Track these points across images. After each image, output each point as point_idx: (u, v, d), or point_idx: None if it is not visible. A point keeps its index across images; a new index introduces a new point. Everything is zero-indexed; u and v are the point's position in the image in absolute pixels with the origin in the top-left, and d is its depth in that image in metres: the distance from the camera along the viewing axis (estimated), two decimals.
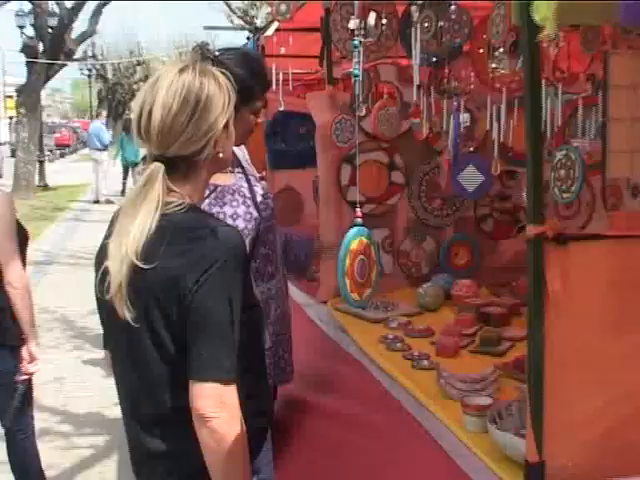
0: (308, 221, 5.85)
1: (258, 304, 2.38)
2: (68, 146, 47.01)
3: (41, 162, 23.95)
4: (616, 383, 2.03)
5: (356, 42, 2.40)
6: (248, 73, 2.93)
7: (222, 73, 2.24)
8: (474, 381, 2.93)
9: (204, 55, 2.76)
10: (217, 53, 2.91)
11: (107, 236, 2.20)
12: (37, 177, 23.42)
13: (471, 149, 4.08)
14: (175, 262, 2.06)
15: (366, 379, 3.31)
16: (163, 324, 2.06)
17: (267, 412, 2.48)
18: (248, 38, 6.16)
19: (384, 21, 3.74)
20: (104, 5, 23.58)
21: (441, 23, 3.62)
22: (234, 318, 2.05)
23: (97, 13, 23.78)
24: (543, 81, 3.13)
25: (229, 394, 2.02)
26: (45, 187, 23.94)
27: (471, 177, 3.76)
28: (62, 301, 9.73)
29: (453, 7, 3.52)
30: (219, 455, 2.02)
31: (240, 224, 2.99)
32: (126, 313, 2.06)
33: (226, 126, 2.22)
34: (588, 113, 3.33)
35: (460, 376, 2.95)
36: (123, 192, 20.79)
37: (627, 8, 1.73)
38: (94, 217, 17.55)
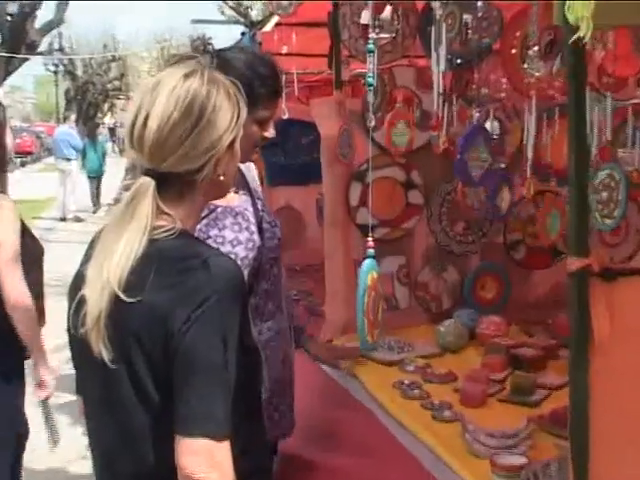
0: (310, 245, 5.86)
1: (256, 347, 2.37)
2: (30, 153, 46.92)
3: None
4: None
5: (371, 46, 2.38)
6: (251, 72, 2.87)
7: (232, 83, 2.25)
8: (505, 436, 2.93)
9: (205, 49, 2.78)
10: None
11: (85, 261, 2.19)
12: None
13: (502, 165, 4.06)
14: (163, 296, 2.03)
15: (379, 432, 3.30)
16: (146, 367, 2.03)
17: (266, 470, 2.47)
18: (243, 34, 6.16)
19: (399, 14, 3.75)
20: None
21: (466, 17, 3.64)
22: (229, 363, 2.02)
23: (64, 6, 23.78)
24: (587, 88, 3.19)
25: (221, 451, 1.98)
26: None
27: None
28: None
29: (481, 3, 3.53)
30: None
31: (240, 252, 2.94)
32: (103, 351, 2.03)
33: (231, 145, 2.23)
34: (638, 122, 3.34)
35: (488, 430, 2.94)
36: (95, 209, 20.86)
37: None
38: (60, 237, 17.55)
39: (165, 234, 2.12)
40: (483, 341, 4.10)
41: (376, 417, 3.40)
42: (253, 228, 3.03)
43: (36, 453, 6.25)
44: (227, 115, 2.19)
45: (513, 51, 3.83)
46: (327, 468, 3.48)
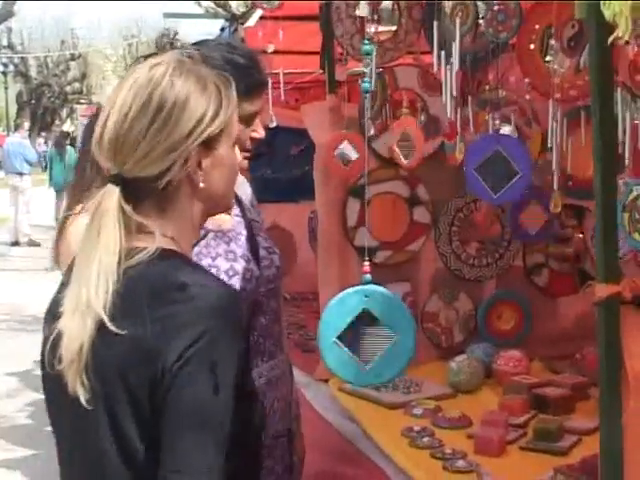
0: (302, 271, 5.85)
1: (255, 391, 2.38)
2: None
3: None
4: None
5: (367, 47, 2.36)
6: (228, 65, 2.78)
7: (219, 75, 2.23)
8: None
9: (172, 45, 2.79)
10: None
11: (62, 287, 2.16)
12: None
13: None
14: (150, 330, 1.99)
15: None
16: (130, 411, 2.00)
17: None
18: (223, 29, 6.19)
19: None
20: None
21: (480, 9, 3.65)
22: (226, 408, 2.01)
23: None
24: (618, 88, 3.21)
25: None
26: None
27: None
28: None
29: None
30: None
31: (237, 284, 2.91)
32: (79, 390, 1.98)
33: (208, 146, 2.16)
34: None
35: None
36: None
37: None
38: (13, 265, 17.51)
39: (144, 257, 2.06)
40: (501, 379, 4.10)
41: (381, 469, 3.40)
42: (249, 256, 3.01)
43: None
44: (197, 109, 2.12)
45: (532, 46, 3.84)
46: None
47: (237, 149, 2.35)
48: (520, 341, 4.50)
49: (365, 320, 2.47)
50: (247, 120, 2.81)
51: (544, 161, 4.02)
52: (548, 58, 3.69)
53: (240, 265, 2.94)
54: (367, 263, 2.52)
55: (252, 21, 5.13)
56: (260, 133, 2.63)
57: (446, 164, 4.19)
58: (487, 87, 3.91)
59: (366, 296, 2.42)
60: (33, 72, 51.23)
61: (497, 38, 3.55)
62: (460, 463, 3.24)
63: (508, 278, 4.72)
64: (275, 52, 5.02)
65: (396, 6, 4.02)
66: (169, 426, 1.96)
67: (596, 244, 2.01)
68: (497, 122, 3.56)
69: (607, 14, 1.78)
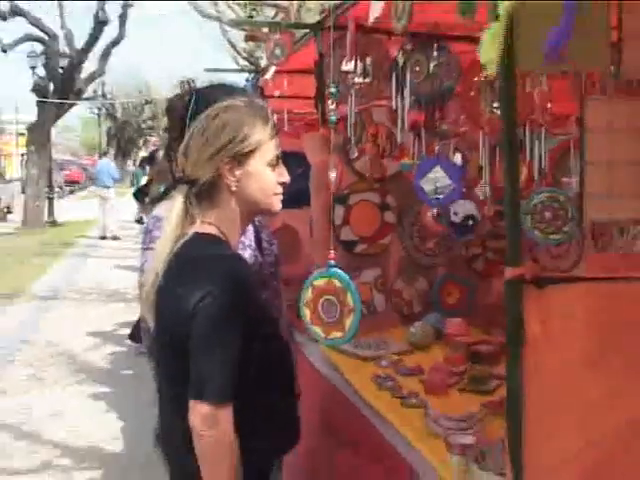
0: (306, 259, 5.81)
1: (279, 337, 2.39)
2: (78, 183, 47.19)
3: (50, 198, 24.05)
4: (595, 426, 2.01)
5: (333, 90, 2.36)
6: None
7: (261, 113, 2.31)
8: (460, 419, 2.90)
9: (188, 88, 2.77)
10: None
11: None
12: (46, 213, 23.52)
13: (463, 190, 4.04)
14: (180, 288, 2.16)
15: (358, 418, 3.27)
16: (169, 338, 2.21)
17: (273, 451, 2.42)
18: (247, 80, 6.17)
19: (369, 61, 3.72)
20: (113, 46, 23.78)
21: (432, 64, 3.63)
22: (233, 344, 2.09)
23: (106, 54, 24.01)
24: (529, 123, 3.18)
25: (221, 416, 2.06)
26: (54, 223, 23.96)
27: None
28: (65, 336, 9.70)
29: (435, 53, 3.51)
30: (206, 471, 2.10)
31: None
32: (149, 321, 2.32)
33: (239, 161, 2.25)
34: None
35: (447, 414, 2.92)
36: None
37: (548, 51, 1.74)
38: (100, 253, 17.60)
39: (187, 238, 2.25)
40: (448, 340, 4.05)
41: (357, 407, 3.35)
42: (254, 245, 3.03)
43: (76, 433, 6.34)
44: (234, 129, 2.24)
45: (472, 93, 3.84)
46: (311, 448, 3.46)
47: (272, 171, 2.33)
48: (462, 312, 4.43)
49: None
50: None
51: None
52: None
53: (247, 253, 2.93)
54: (332, 253, 2.48)
55: (269, 74, 5.07)
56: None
57: (408, 179, 4.15)
58: (438, 123, 3.87)
59: (330, 276, 2.40)
60: (119, 113, 51.60)
61: (443, 85, 3.53)
62: (413, 400, 3.21)
63: (455, 264, 4.69)
64: (283, 96, 5.01)
65: (371, 62, 3.97)
66: (192, 353, 2.11)
67: (507, 238, 1.97)
68: (438, 148, 3.53)
69: (483, 59, 1.75)
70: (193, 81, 2.88)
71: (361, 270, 4.35)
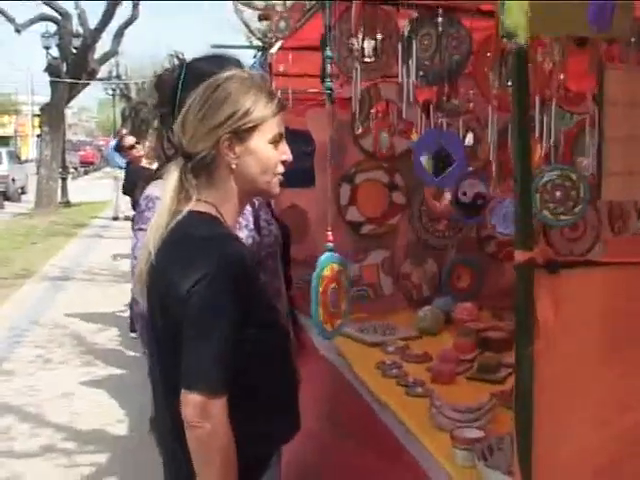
0: (314, 239, 5.69)
1: (278, 323, 2.25)
2: (92, 164, 47.11)
3: (64, 179, 24.00)
4: (610, 421, 1.86)
5: (329, 52, 2.16)
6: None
7: (266, 87, 2.20)
8: (468, 410, 2.75)
9: (179, 61, 2.63)
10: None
11: None
12: (60, 194, 23.48)
13: (470, 169, 3.84)
14: (175, 267, 2.04)
15: (361, 407, 3.15)
16: (163, 322, 2.08)
17: (271, 439, 2.27)
18: (255, 56, 6.00)
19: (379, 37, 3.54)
20: (126, 26, 23.64)
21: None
22: (228, 332, 1.97)
23: (119, 34, 23.91)
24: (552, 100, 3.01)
25: (215, 405, 1.95)
26: (67, 204, 23.92)
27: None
28: (75, 317, 9.63)
29: (441, 19, 3.32)
30: (198, 463, 1.99)
31: None
32: (142, 302, 2.21)
33: (240, 137, 2.11)
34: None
35: (454, 405, 2.77)
36: None
37: (593, 12, 1.57)
38: (113, 234, 17.50)
39: (181, 216, 2.11)
40: (457, 325, 3.93)
41: (361, 395, 3.23)
42: (251, 226, 2.89)
43: (81, 416, 6.23)
44: (235, 102, 2.11)
45: (485, 69, 3.66)
46: (313, 436, 3.33)
47: (274, 149, 2.18)
48: (473, 295, 4.30)
49: None
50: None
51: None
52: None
53: (243, 234, 2.78)
54: (330, 234, 2.27)
55: (274, 49, 4.89)
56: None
57: None
58: (445, 99, 3.69)
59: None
60: (133, 94, 51.39)
61: (452, 60, 3.35)
62: (419, 390, 3.07)
63: (465, 246, 4.52)
64: (285, 74, 4.83)
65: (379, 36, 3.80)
66: (185, 340, 1.99)
67: (516, 220, 1.80)
68: (443, 122, 3.34)
69: (508, 23, 1.58)
70: (182, 54, 2.73)
71: (368, 252, 4.21)
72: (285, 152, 2.24)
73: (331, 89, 1.99)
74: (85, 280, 12.20)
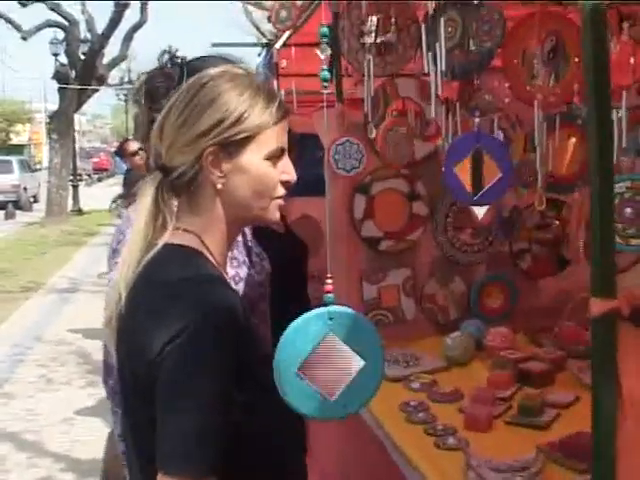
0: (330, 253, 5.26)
1: (269, 389, 1.70)
2: (107, 170, 46.98)
3: (75, 187, 23.83)
4: None
5: (324, 29, 1.60)
6: None
7: (266, 87, 1.73)
8: (512, 469, 2.28)
9: (173, 62, 2.20)
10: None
11: None
12: (71, 202, 23.35)
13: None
14: (144, 320, 1.59)
15: (386, 463, 2.70)
16: (132, 389, 1.63)
17: None
18: (259, 54, 5.57)
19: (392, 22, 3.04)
20: (135, 30, 23.36)
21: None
22: (213, 401, 1.51)
23: (128, 38, 23.67)
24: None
25: None
26: (79, 211, 23.81)
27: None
28: (80, 332, 9.38)
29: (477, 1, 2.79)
30: None
31: (242, 289, 2.34)
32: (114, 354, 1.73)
33: (229, 150, 1.66)
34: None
35: (494, 463, 2.31)
36: None
37: None
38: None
39: (155, 251, 1.66)
40: (490, 353, 3.43)
41: (383, 446, 2.78)
42: (248, 261, 2.43)
43: (82, 443, 5.92)
44: (220, 111, 1.64)
45: (516, 61, 3.16)
46: None
47: (271, 166, 1.69)
48: (507, 317, 3.82)
49: (329, 345, 1.57)
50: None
51: (520, 161, 3.31)
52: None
53: (243, 271, 2.36)
54: (330, 280, 1.61)
55: (278, 44, 4.43)
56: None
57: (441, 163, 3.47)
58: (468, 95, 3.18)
59: (330, 319, 1.55)
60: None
61: (482, 48, 2.83)
62: (450, 440, 2.59)
63: (496, 262, 4.00)
64: (287, 74, 4.37)
65: (395, 24, 3.31)
66: (159, 412, 1.52)
67: (593, 257, 1.29)
68: (476, 122, 2.79)
69: None
70: (177, 50, 2.30)
71: (387, 271, 3.71)
72: (287, 171, 1.75)
73: (326, 80, 1.49)
74: (92, 292, 11.83)
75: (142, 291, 1.65)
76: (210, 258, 1.71)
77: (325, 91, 1.65)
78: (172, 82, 2.19)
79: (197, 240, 1.70)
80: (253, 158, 1.67)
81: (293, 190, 5.03)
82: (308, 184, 5.37)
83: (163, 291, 1.61)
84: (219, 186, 1.67)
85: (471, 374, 3.31)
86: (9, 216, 22.95)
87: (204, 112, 1.65)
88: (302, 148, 5.10)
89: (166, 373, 1.52)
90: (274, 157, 1.70)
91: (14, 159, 28.41)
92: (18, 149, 45.32)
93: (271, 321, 2.48)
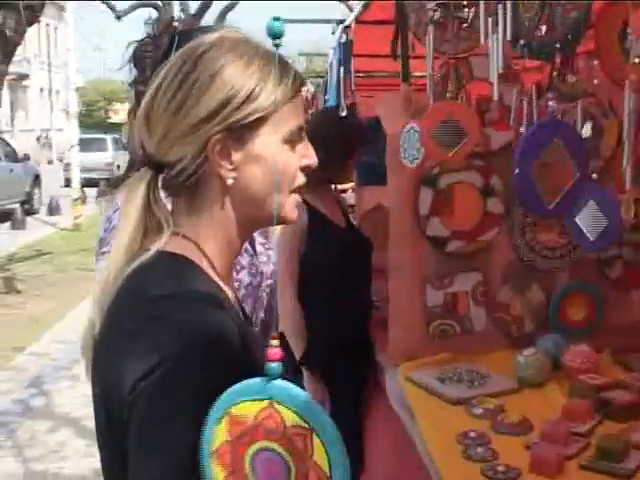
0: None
1: None
2: None
3: None
4: None
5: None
6: None
7: (278, 56, 1.35)
8: None
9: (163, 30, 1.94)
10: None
11: None
12: None
13: (593, 175, 2.76)
14: (118, 347, 1.29)
15: None
16: (105, 423, 1.33)
17: None
18: (333, 32, 5.21)
19: None
20: (228, 10, 23.21)
21: None
22: (190, 452, 1.19)
23: (221, 18, 23.49)
24: None
25: None
26: None
27: (592, 219, 2.39)
28: None
29: None
30: None
31: (245, 278, 2.16)
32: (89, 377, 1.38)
33: (240, 136, 1.33)
34: None
35: None
36: None
37: None
38: None
39: (144, 259, 1.34)
40: (569, 374, 2.97)
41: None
42: (251, 251, 2.22)
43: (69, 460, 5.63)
44: (227, 87, 1.32)
45: (612, 37, 2.69)
46: None
47: (290, 151, 1.39)
48: (590, 333, 3.33)
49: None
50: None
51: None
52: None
53: (245, 260, 2.17)
54: (275, 342, 1.14)
55: (349, 20, 4.05)
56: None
57: None
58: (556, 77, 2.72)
59: (270, 398, 1.10)
60: None
61: (566, 19, 2.36)
62: None
63: (580, 269, 3.50)
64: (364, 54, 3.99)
65: None
66: (131, 455, 1.24)
67: None
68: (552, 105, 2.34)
69: None
70: (173, 18, 2.05)
71: (454, 276, 3.29)
72: (308, 154, 1.43)
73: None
74: None
75: (122, 309, 1.34)
76: (209, 270, 1.39)
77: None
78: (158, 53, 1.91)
79: (195, 248, 1.39)
80: (270, 142, 1.36)
81: (369, 179, 4.65)
82: (383, 172, 5.02)
83: (146, 311, 1.29)
84: (229, 181, 1.36)
85: (544, 399, 2.87)
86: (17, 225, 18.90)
87: (205, 91, 1.33)
88: (379, 134, 4.77)
89: (137, 417, 1.23)
90: (293, 139, 1.39)
91: (109, 137, 28.76)
92: (117, 127, 46.31)
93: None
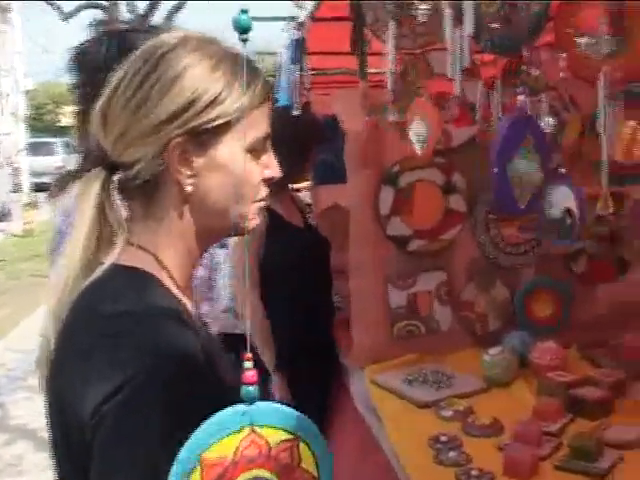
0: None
1: None
2: None
3: None
4: None
5: None
6: None
7: (246, 60, 1.25)
8: None
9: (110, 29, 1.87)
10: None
11: None
12: None
13: (562, 170, 2.70)
14: (75, 370, 1.20)
15: None
16: (61, 442, 1.24)
17: None
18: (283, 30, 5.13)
19: None
20: (176, 11, 22.98)
21: None
22: (161, 462, 1.07)
23: (169, 18, 23.27)
24: None
25: None
26: None
27: (562, 214, 2.36)
28: None
29: None
30: None
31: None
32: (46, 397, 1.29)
33: (202, 141, 1.27)
34: None
35: None
36: None
37: None
38: None
39: (98, 274, 1.26)
40: (536, 372, 2.95)
41: None
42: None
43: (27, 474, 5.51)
44: (191, 88, 1.25)
45: (568, 30, 2.66)
46: None
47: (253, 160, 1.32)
48: (557, 329, 3.31)
49: None
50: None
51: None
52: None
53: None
54: (249, 364, 1.05)
55: (301, 17, 3.96)
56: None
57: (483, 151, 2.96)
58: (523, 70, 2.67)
59: (250, 424, 1.02)
60: None
61: (529, 13, 2.32)
62: None
63: (546, 265, 3.48)
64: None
65: None
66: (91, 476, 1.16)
67: None
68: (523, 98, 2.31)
69: None
70: (117, 19, 1.94)
71: (417, 275, 3.24)
72: (270, 165, 1.37)
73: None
74: None
75: (76, 326, 1.26)
76: (168, 282, 1.31)
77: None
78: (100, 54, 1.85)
79: (152, 259, 1.31)
80: (233, 150, 1.29)
81: (326, 178, 4.58)
82: (341, 171, 4.97)
83: (101, 328, 1.22)
84: (188, 188, 1.28)
85: (513, 398, 2.84)
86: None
87: (167, 92, 1.26)
88: (337, 133, 4.72)
89: (99, 443, 1.15)
90: (258, 149, 1.32)
91: (58, 141, 28.39)
92: (67, 130, 45.82)
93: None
